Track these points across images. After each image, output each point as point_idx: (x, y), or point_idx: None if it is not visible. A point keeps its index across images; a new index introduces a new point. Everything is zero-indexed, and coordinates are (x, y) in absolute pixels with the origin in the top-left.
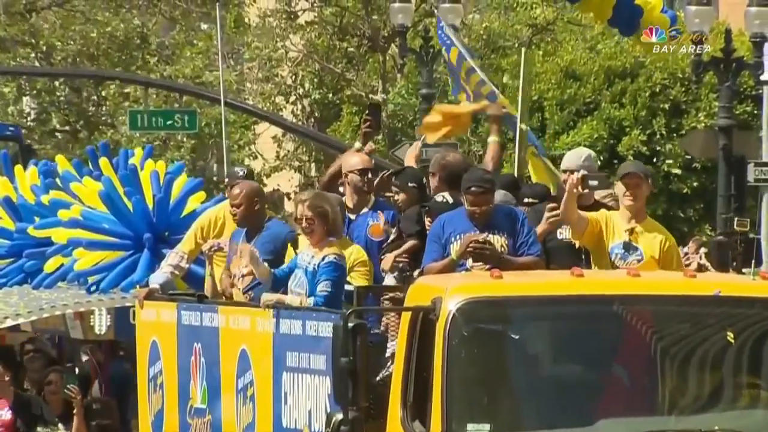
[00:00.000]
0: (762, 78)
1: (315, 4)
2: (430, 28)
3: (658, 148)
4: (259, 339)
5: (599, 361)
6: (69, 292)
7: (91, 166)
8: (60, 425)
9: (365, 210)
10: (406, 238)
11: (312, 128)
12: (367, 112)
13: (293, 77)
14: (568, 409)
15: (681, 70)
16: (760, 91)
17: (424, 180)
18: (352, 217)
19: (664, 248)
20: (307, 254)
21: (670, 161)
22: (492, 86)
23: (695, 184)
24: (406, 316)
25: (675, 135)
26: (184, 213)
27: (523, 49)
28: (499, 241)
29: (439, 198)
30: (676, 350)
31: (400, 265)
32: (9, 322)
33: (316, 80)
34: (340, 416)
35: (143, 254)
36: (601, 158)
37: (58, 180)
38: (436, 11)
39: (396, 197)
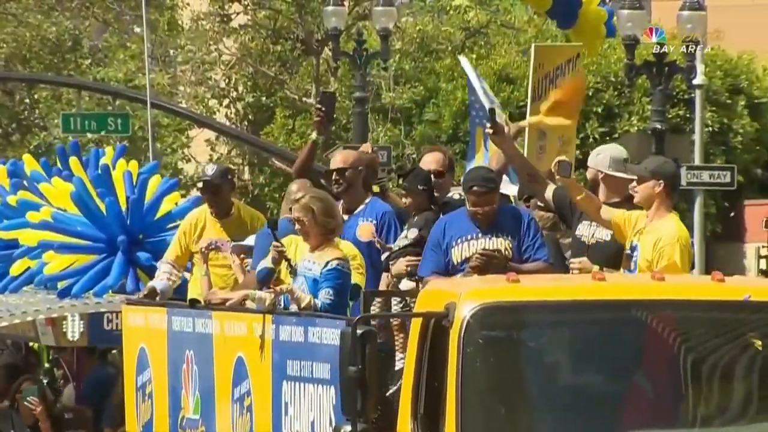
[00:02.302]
0: (694, 82)
1: (248, 8)
2: (363, 32)
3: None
4: (256, 346)
5: (622, 370)
6: (37, 296)
7: (60, 166)
8: None
9: (361, 208)
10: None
11: (245, 131)
12: (319, 100)
13: (227, 80)
14: (589, 421)
15: (614, 74)
16: (693, 95)
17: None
18: (345, 217)
19: (657, 248)
20: (308, 261)
21: None
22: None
23: None
24: (417, 323)
25: (608, 138)
26: (159, 214)
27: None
28: (503, 244)
29: (455, 196)
30: (703, 358)
31: (408, 268)
32: None
33: (249, 83)
34: (348, 428)
35: (117, 257)
36: None
37: (24, 180)
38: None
39: (404, 200)
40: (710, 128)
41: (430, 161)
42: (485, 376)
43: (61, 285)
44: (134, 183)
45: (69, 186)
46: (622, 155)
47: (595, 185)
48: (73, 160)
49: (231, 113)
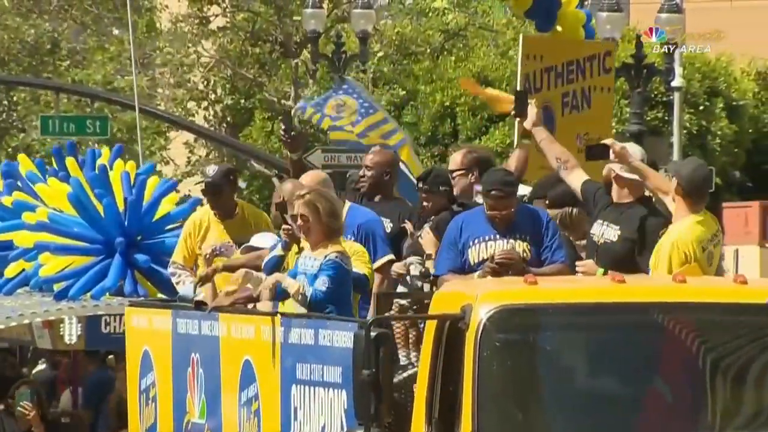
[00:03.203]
0: (673, 84)
1: (227, 10)
2: (342, 34)
3: None
4: (265, 349)
5: (642, 374)
6: (33, 299)
7: (55, 166)
8: None
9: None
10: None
11: (224, 134)
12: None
13: (205, 83)
14: (607, 426)
15: None
16: (671, 98)
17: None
18: None
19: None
20: (308, 258)
21: None
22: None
23: None
24: (431, 325)
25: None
26: (158, 216)
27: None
28: (521, 246)
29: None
30: (725, 363)
31: (423, 270)
32: None
33: (228, 86)
34: None
35: (114, 259)
36: None
37: (19, 181)
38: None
39: (425, 203)
40: (688, 130)
41: (450, 162)
42: (502, 379)
43: (57, 287)
44: (132, 184)
45: (65, 187)
46: (637, 155)
47: (608, 183)
48: (69, 161)
49: (210, 115)
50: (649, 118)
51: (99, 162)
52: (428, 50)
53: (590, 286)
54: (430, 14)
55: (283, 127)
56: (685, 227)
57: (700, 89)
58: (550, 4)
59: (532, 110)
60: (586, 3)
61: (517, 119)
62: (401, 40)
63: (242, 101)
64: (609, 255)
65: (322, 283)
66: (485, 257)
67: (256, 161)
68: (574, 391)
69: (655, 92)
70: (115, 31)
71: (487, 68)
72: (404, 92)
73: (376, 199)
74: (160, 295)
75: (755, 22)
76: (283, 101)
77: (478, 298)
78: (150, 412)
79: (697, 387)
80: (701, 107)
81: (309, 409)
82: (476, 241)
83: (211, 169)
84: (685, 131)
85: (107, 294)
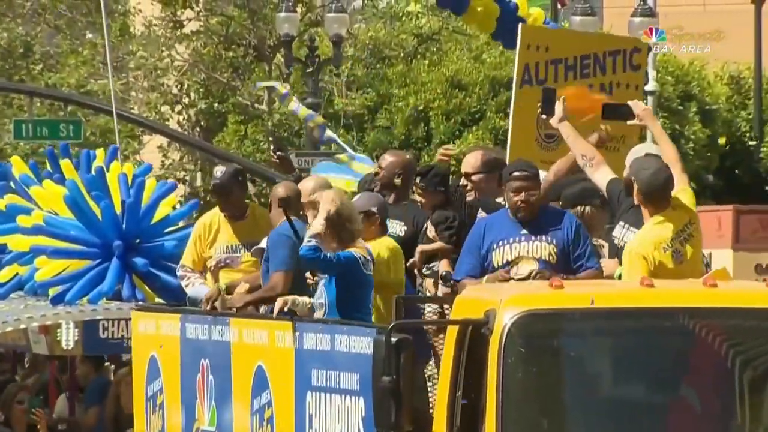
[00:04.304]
0: (646, 88)
1: (200, 14)
2: (315, 38)
3: None
4: (278, 355)
5: (671, 381)
6: (27, 303)
7: (49, 168)
8: None
9: None
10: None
11: (198, 137)
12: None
13: (179, 86)
14: None
15: None
16: (645, 102)
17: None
18: None
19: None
20: None
21: None
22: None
23: None
24: (453, 331)
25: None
26: (156, 219)
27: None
28: (547, 248)
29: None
30: (757, 370)
31: (443, 272)
32: None
33: (201, 90)
34: None
35: (112, 263)
36: None
37: (12, 183)
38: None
39: (421, 200)
40: None
41: (463, 164)
42: (527, 386)
43: (53, 291)
44: (129, 186)
45: (61, 189)
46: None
47: (630, 185)
48: (64, 163)
49: (183, 119)
50: None
51: (95, 164)
52: (402, 54)
53: (618, 290)
54: (404, 18)
55: (273, 149)
56: (643, 231)
57: (673, 93)
58: (514, 24)
59: (559, 107)
60: (560, 8)
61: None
62: (375, 44)
63: (216, 105)
64: None
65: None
66: (509, 259)
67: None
68: (601, 398)
69: None
70: (89, 35)
71: (461, 72)
72: (377, 96)
73: (390, 200)
74: (159, 300)
75: (727, 25)
76: (256, 105)
77: (503, 303)
78: (157, 419)
79: (727, 394)
80: (675, 111)
81: (324, 416)
82: (500, 243)
83: (220, 171)
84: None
85: (104, 298)
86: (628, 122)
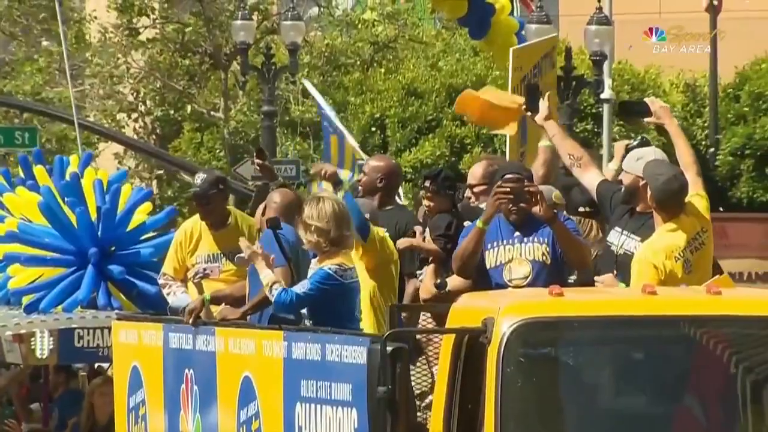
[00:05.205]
0: (602, 96)
1: (157, 21)
2: (272, 45)
3: None
4: (266, 365)
5: (673, 391)
6: (0, 312)
7: (23, 175)
8: None
9: None
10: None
11: (153, 145)
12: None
13: (135, 94)
14: None
15: None
16: (600, 110)
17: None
18: None
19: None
20: (311, 270)
21: None
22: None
23: None
24: (449, 339)
25: None
26: (132, 226)
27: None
28: (540, 249)
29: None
30: (762, 380)
31: (439, 281)
32: None
33: (157, 97)
34: None
35: (87, 271)
36: None
37: None
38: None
39: (428, 203)
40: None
41: (469, 176)
42: (526, 396)
43: (26, 300)
44: (105, 192)
45: (35, 196)
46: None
47: (634, 191)
48: (38, 169)
49: (139, 127)
50: (578, 130)
51: (69, 170)
52: (358, 62)
53: (619, 298)
54: (360, 26)
55: (254, 156)
56: (654, 239)
57: None
58: (484, 12)
59: (544, 104)
60: (520, 8)
61: (529, 113)
62: (331, 51)
63: (172, 113)
64: (628, 266)
65: (300, 287)
66: (503, 261)
67: (185, 173)
68: (602, 408)
69: (585, 104)
70: (45, 42)
71: (417, 80)
72: (334, 104)
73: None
74: (135, 309)
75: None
76: (212, 113)
77: (501, 311)
78: (140, 430)
79: (731, 404)
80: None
81: (315, 428)
82: (494, 244)
83: (199, 179)
84: (614, 143)
85: (79, 307)
86: (645, 120)
